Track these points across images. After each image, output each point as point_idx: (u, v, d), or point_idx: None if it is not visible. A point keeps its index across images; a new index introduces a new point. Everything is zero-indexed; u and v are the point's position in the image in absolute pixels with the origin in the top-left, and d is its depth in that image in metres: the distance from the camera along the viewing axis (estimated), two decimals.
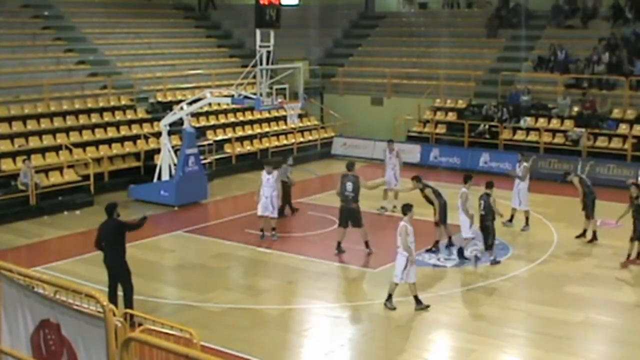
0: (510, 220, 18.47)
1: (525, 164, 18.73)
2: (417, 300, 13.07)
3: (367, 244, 16.43)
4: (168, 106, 25.42)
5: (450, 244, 16.53)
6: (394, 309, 13.06)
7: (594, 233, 17.26)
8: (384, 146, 21.76)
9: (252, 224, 18.01)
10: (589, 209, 17.28)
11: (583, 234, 17.40)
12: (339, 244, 16.47)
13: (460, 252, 15.85)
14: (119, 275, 12.35)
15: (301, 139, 28.28)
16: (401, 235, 12.77)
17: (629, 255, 15.78)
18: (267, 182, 17.35)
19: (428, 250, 16.33)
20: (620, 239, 17.17)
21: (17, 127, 22.00)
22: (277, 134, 27.88)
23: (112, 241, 12.39)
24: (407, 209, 13.05)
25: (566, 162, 23.63)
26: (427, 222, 17.05)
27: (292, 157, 21.33)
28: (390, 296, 13.12)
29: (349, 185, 16.49)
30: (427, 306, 13.09)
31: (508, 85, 28.20)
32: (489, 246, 15.63)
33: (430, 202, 16.69)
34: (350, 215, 16.46)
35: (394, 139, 22.08)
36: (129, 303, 12.05)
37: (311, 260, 16.06)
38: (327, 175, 25.23)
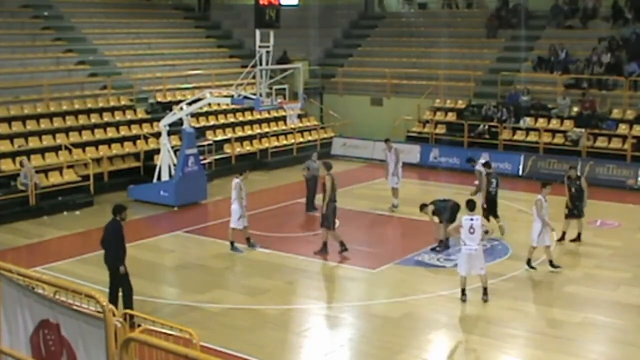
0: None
1: (482, 162, 19.14)
2: (552, 264, 15.12)
3: (325, 245, 16.35)
4: (168, 106, 25.42)
5: (445, 246, 16.48)
6: (534, 269, 15.09)
7: (570, 234, 17.01)
8: (383, 146, 21.77)
9: (252, 224, 17.96)
10: (581, 209, 16.95)
11: (578, 238, 17.10)
12: (342, 242, 16.41)
13: (528, 262, 15.31)
14: (117, 276, 12.41)
15: (301, 139, 28.27)
16: (536, 206, 14.94)
17: None
18: (243, 190, 16.63)
19: (432, 249, 16.36)
20: (619, 239, 17.19)
21: (16, 127, 22.00)
22: (276, 135, 27.87)
23: (111, 242, 12.50)
24: (545, 184, 15.39)
25: (566, 162, 23.58)
26: (427, 222, 17.07)
27: (316, 152, 21.43)
28: (529, 260, 15.21)
29: (336, 185, 16.46)
30: (558, 267, 15.08)
31: (508, 85, 28.20)
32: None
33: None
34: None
35: (391, 138, 21.95)
36: (128, 304, 12.10)
37: (311, 261, 16.06)
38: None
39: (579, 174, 17.53)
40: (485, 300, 13.37)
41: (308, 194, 20.27)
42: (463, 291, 13.47)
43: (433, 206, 16.65)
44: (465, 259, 13.39)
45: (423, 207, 16.90)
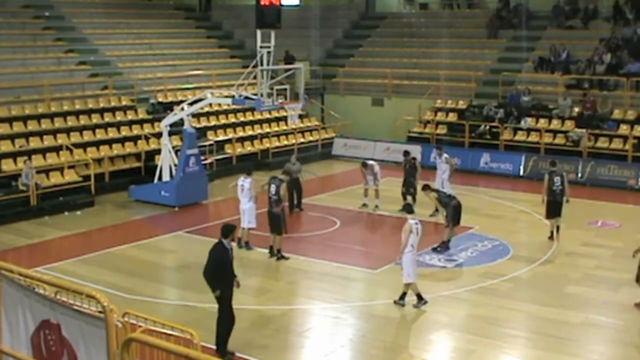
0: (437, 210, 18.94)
1: (445, 155, 19.62)
2: None
3: (279, 251, 16.20)
4: (169, 107, 25.45)
5: (445, 247, 16.47)
6: None
7: (552, 232, 17.19)
8: (384, 147, 21.83)
9: None
10: (558, 209, 17.01)
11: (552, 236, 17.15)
12: (271, 248, 16.29)
13: None
14: (221, 308, 11.36)
15: (302, 140, 28.27)
16: None
17: None
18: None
19: (434, 250, 16.37)
20: (620, 240, 17.18)
21: (18, 127, 22.02)
22: (277, 135, 27.87)
23: (215, 269, 11.31)
24: None
25: (567, 162, 23.63)
26: (428, 222, 17.06)
27: (295, 155, 21.42)
28: None
29: (273, 188, 16.24)
30: None
31: (509, 85, 28.21)
32: None
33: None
34: (271, 220, 16.21)
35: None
36: (218, 338, 11.17)
37: (311, 261, 16.06)
38: (327, 176, 25.27)
39: (552, 169, 17.52)
40: (417, 306, 13.19)
41: (290, 195, 20.16)
42: (420, 296, 13.20)
43: (437, 194, 16.63)
44: (414, 264, 13.21)
45: (426, 188, 16.85)
